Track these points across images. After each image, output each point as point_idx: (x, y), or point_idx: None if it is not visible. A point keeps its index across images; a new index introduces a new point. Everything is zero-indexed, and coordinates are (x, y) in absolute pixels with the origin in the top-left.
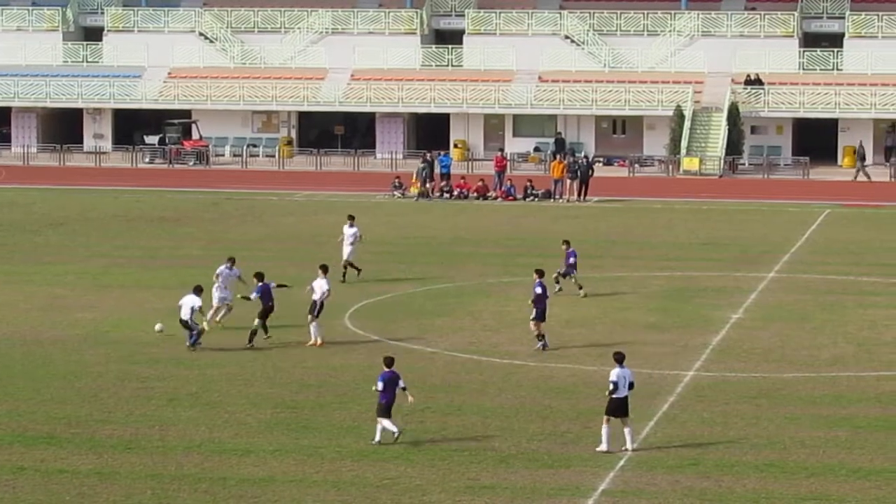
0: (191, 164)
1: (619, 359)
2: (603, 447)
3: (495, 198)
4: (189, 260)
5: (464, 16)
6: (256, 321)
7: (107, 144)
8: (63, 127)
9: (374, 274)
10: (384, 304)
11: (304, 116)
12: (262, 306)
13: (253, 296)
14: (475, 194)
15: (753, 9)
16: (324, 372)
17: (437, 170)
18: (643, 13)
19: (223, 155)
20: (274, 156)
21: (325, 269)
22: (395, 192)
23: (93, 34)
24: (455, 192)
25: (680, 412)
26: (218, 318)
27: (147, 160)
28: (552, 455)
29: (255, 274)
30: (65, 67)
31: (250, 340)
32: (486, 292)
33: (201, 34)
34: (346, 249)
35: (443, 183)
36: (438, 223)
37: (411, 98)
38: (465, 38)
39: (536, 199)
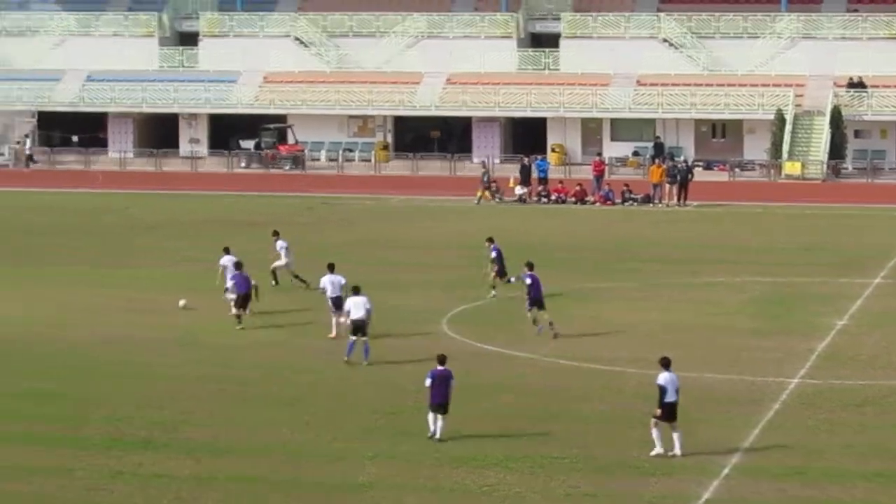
0: (287, 168)
1: (666, 364)
2: (657, 450)
3: (593, 202)
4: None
5: (560, 19)
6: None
7: (202, 149)
8: (159, 132)
9: (471, 279)
10: (482, 309)
11: (399, 120)
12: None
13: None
14: (573, 199)
15: (856, 10)
16: (422, 377)
17: (534, 174)
18: (742, 15)
19: (319, 159)
20: (370, 160)
21: (331, 267)
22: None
23: (188, 39)
24: (553, 197)
25: (785, 420)
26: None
27: (243, 165)
28: (653, 463)
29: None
30: (160, 72)
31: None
32: (584, 298)
33: (296, 39)
34: (284, 262)
35: (540, 187)
36: (535, 228)
37: (508, 102)
38: (561, 41)
39: (635, 204)
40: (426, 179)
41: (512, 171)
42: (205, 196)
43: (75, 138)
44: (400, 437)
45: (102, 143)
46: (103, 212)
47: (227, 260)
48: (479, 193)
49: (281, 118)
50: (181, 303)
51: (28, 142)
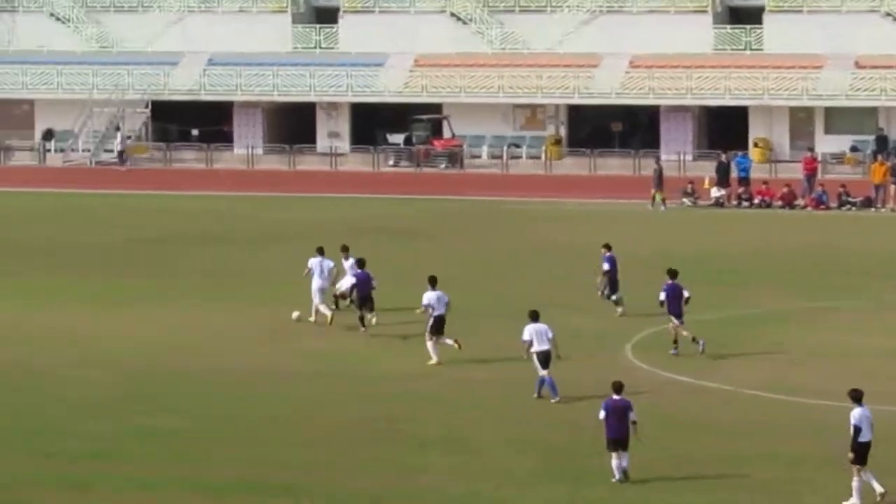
0: (442, 167)
1: (857, 397)
2: (854, 501)
3: (804, 206)
4: (439, 280)
5: None
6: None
7: (343, 144)
8: (293, 124)
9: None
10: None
11: (574, 110)
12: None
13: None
14: (780, 202)
15: None
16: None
17: (733, 173)
18: None
19: (479, 156)
20: (539, 157)
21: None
22: (686, 200)
23: (327, 16)
24: (755, 200)
25: None
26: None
27: (391, 163)
28: None
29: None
30: (294, 55)
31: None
32: (791, 319)
33: (453, 15)
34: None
35: (741, 189)
36: (736, 236)
37: (702, 88)
38: (764, 16)
39: (853, 209)
40: (605, 180)
41: (707, 169)
42: (346, 199)
43: (195, 132)
44: (578, 482)
45: (227, 138)
46: (228, 218)
47: (346, 266)
48: (655, 196)
49: (435, 108)
50: (294, 314)
51: (119, 136)
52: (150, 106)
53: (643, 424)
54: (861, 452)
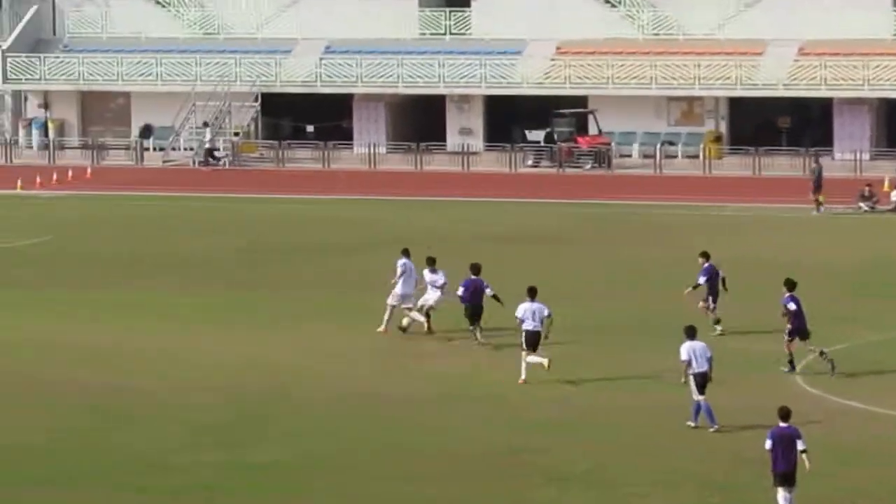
0: (587, 167)
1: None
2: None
3: None
4: (577, 293)
5: None
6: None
7: (477, 142)
8: (419, 120)
9: (832, 313)
10: (840, 355)
11: (736, 104)
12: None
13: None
14: None
15: None
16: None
17: None
18: None
19: (629, 155)
20: (697, 156)
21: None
22: (863, 205)
23: None
24: None
25: None
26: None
27: (529, 163)
28: None
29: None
30: (422, 42)
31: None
32: None
33: None
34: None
35: None
36: None
37: (880, 78)
38: None
39: None
40: (771, 182)
41: (887, 170)
42: (478, 204)
43: (310, 129)
44: None
45: (346, 135)
46: (347, 224)
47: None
48: (819, 199)
49: (580, 101)
50: (404, 322)
51: (208, 133)
52: (259, 99)
53: (814, 455)
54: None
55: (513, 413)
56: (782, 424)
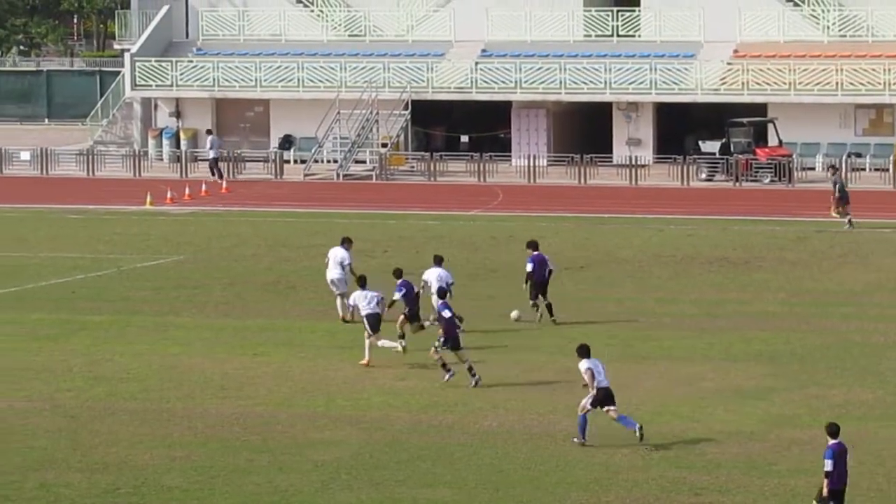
0: (766, 181)
1: None
2: None
3: None
4: (762, 318)
5: None
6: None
7: (646, 154)
8: (583, 129)
9: None
10: None
11: None
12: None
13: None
14: None
15: None
16: None
17: None
18: None
19: (812, 168)
20: (886, 169)
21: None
22: None
23: None
24: None
25: None
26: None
27: (703, 176)
28: None
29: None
30: (586, 45)
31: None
32: None
33: None
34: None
35: None
36: None
37: None
38: None
39: None
40: None
41: None
42: (648, 221)
43: (465, 139)
44: None
45: (503, 146)
46: (504, 243)
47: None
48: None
49: (758, 109)
50: (513, 314)
51: (208, 142)
52: (409, 107)
53: None
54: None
55: (690, 449)
56: (833, 441)
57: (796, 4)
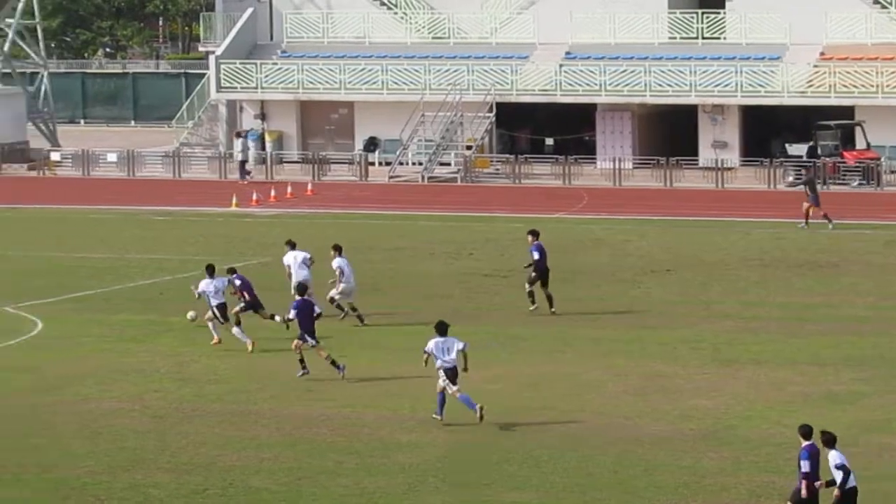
0: (854, 184)
1: None
2: None
3: None
4: (851, 322)
5: None
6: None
7: (732, 157)
8: (669, 132)
9: None
10: None
11: None
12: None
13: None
14: None
15: None
16: None
17: None
18: None
19: None
20: None
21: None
22: None
23: (710, 0)
24: None
25: None
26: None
27: (790, 179)
28: None
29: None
30: (671, 47)
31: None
32: None
33: None
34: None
35: None
36: None
37: None
38: None
39: None
40: None
41: None
42: (737, 224)
43: (549, 141)
44: None
45: (588, 149)
46: (588, 246)
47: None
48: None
49: (845, 111)
50: (189, 314)
51: (239, 144)
52: (494, 109)
53: None
54: None
55: (777, 453)
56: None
57: (883, 6)
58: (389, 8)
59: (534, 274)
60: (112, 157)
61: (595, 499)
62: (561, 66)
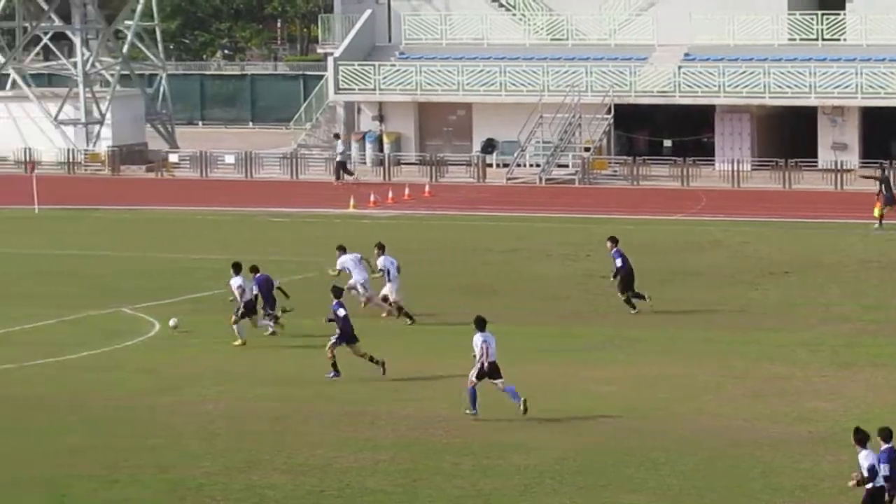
0: None
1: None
2: None
3: None
4: None
5: None
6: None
7: (852, 158)
8: (788, 134)
9: None
10: None
11: None
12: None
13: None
14: None
15: None
16: None
17: None
18: None
19: None
20: None
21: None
22: None
23: (832, 1)
24: None
25: None
26: None
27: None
28: None
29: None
30: (791, 48)
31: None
32: None
33: None
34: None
35: None
36: None
37: None
38: None
39: None
40: None
41: None
42: (854, 226)
43: (668, 143)
44: None
45: (707, 151)
46: (707, 248)
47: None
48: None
49: None
50: (172, 322)
51: (340, 146)
52: (612, 111)
53: None
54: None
55: None
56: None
57: None
58: (508, 9)
59: (618, 280)
60: (230, 159)
61: (712, 501)
62: (680, 67)
